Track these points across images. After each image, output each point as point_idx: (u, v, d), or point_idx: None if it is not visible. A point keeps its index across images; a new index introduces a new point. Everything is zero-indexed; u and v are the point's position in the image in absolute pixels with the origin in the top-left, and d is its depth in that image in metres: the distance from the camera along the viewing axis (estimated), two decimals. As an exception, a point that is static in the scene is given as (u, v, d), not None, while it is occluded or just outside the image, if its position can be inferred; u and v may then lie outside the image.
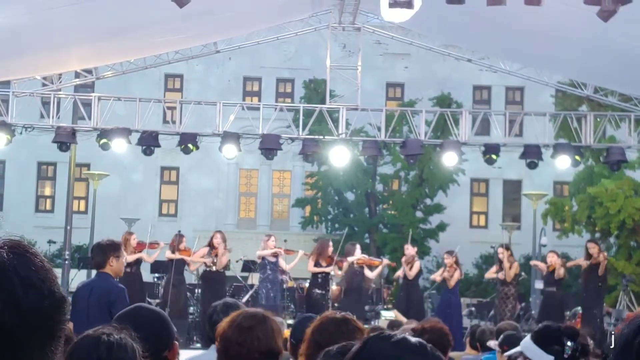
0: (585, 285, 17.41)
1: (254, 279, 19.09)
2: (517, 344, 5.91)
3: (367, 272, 17.51)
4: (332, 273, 16.87)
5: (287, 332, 8.95)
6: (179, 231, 18.31)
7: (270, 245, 16.88)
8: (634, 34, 13.48)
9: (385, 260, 18.47)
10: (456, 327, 15.10)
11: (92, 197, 27.88)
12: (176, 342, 3.40)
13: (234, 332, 3.89)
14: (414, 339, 2.03)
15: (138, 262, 16.89)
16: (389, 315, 16.09)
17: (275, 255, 16.93)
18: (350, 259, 17.17)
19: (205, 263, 16.70)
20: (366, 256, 18.02)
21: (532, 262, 19.64)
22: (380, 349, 1.99)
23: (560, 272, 16.97)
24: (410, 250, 17.75)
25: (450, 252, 17.73)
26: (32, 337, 1.60)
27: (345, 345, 3.58)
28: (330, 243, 17.69)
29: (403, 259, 17.56)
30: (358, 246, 17.83)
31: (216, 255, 16.55)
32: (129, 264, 16.22)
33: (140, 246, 16.97)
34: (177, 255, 16.67)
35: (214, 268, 16.60)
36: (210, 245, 16.80)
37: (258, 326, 3.90)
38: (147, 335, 2.74)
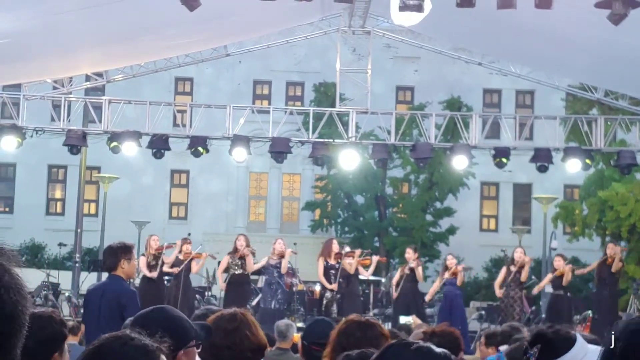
0: (597, 290, 17.37)
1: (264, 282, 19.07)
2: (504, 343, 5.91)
3: (363, 272, 17.35)
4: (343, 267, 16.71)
5: (296, 337, 8.96)
6: (189, 234, 18.31)
7: (277, 248, 16.84)
8: (645, 38, 13.45)
9: (375, 257, 18.18)
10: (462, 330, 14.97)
11: (102, 200, 27.95)
12: (193, 348, 3.37)
13: (220, 337, 3.85)
14: (438, 349, 2.02)
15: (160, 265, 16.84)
16: (407, 319, 15.92)
17: (282, 256, 16.84)
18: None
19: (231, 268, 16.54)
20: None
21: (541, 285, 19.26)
22: (401, 355, 1.99)
23: (569, 277, 16.87)
24: (411, 254, 17.49)
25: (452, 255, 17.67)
26: (13, 338, 1.61)
27: (365, 351, 3.59)
28: (334, 240, 17.59)
29: (414, 264, 17.34)
30: (347, 248, 17.73)
31: (241, 258, 16.43)
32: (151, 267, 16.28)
33: (161, 248, 16.94)
34: (176, 269, 16.74)
35: (238, 270, 16.47)
36: (235, 249, 16.60)
37: (242, 325, 3.88)
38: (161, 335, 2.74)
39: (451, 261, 17.29)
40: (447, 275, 17.17)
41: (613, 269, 16.59)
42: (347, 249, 17.78)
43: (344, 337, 4.07)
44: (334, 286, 16.57)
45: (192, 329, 3.41)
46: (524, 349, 3.79)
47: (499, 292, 17.18)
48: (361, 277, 17.49)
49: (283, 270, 16.84)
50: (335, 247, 16.98)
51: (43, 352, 3.72)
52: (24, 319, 1.64)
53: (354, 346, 3.75)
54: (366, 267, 17.36)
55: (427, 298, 18.34)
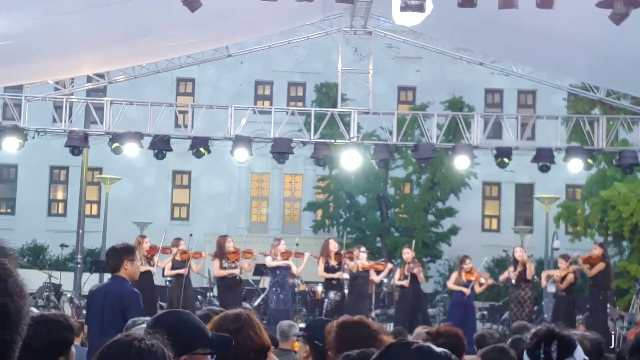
0: (589, 288, 17.39)
1: (266, 282, 19.06)
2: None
3: (373, 276, 17.32)
4: (345, 270, 16.67)
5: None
6: (191, 235, 18.31)
7: (281, 249, 16.76)
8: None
9: (390, 265, 18.12)
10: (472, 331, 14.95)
11: (104, 200, 28.00)
12: (199, 356, 3.34)
13: None
14: (438, 348, 2.02)
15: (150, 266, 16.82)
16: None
17: (287, 257, 16.80)
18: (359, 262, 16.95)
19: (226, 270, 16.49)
20: (370, 261, 17.76)
21: (546, 274, 19.21)
22: (401, 355, 1.98)
23: (570, 277, 16.75)
24: (409, 254, 17.41)
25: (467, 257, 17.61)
26: (15, 344, 1.61)
27: (365, 351, 3.58)
28: (331, 240, 17.54)
29: (415, 270, 17.23)
30: (363, 248, 17.70)
31: (236, 260, 16.41)
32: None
33: (153, 250, 16.92)
34: (176, 272, 16.74)
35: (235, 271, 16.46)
36: (222, 251, 16.54)
37: (246, 325, 3.86)
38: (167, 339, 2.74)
39: (469, 266, 17.23)
40: (464, 277, 17.08)
41: (588, 273, 16.54)
42: (363, 248, 17.68)
43: (347, 339, 4.07)
44: (340, 274, 16.52)
45: (204, 337, 3.37)
46: (539, 345, 3.76)
47: (505, 277, 17.25)
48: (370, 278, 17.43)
49: (298, 273, 16.87)
50: (332, 246, 16.94)
51: (48, 356, 3.73)
52: (25, 323, 1.64)
53: (358, 347, 3.76)
54: (378, 271, 17.31)
55: (467, 291, 17.79)
